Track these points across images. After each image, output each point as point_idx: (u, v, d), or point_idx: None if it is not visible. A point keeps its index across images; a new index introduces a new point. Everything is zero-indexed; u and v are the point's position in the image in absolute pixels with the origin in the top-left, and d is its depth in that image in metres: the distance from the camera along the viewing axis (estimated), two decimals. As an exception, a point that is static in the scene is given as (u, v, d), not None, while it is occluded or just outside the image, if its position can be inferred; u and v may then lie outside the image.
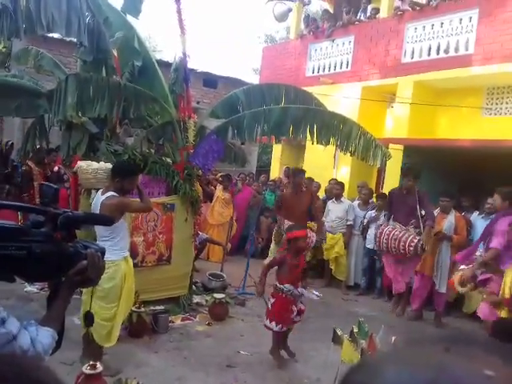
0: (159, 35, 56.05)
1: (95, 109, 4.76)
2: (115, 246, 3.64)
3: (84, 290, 3.76)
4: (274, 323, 4.10)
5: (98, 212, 3.55)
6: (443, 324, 5.82)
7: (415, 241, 5.19)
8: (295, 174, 6.28)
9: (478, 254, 5.00)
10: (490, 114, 8.58)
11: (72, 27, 4.55)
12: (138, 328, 4.34)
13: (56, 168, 6.94)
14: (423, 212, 5.72)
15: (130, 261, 3.88)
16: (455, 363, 0.42)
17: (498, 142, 7.34)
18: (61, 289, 1.42)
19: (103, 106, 4.79)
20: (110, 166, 4.20)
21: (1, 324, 1.28)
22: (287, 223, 5.77)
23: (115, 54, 5.62)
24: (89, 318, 1.67)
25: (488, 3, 7.76)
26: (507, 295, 3.89)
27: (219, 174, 8.73)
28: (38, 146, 6.03)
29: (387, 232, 5.49)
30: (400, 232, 5.36)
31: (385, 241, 5.49)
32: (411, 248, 5.18)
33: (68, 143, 5.37)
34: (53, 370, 0.63)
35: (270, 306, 4.17)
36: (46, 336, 1.36)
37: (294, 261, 4.14)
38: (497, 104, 8.53)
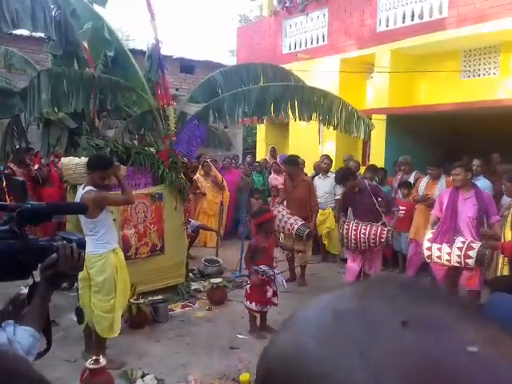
0: (131, 24, 55.00)
1: (71, 103, 4.68)
2: (100, 240, 3.61)
3: (80, 285, 3.74)
4: (253, 303, 4.30)
5: None
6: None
7: (385, 231, 5.00)
8: (286, 163, 6.16)
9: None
10: (469, 77, 8.59)
11: (38, 21, 4.43)
12: (139, 319, 4.33)
13: (36, 167, 6.82)
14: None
15: (121, 253, 3.85)
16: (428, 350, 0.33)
17: (477, 103, 7.38)
18: (39, 284, 1.37)
19: (79, 99, 4.70)
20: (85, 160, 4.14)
21: None
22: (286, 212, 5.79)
23: (86, 45, 5.49)
24: (79, 314, 1.64)
25: (458, -37, 7.70)
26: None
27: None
28: (17, 147, 5.89)
29: (353, 228, 5.17)
30: (366, 226, 5.11)
31: (353, 237, 5.17)
32: (382, 239, 5.01)
33: (47, 141, 5.27)
34: (26, 360, 0.60)
35: (248, 289, 4.39)
36: (24, 336, 1.31)
37: (264, 243, 4.34)
38: (474, 66, 8.55)
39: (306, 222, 5.71)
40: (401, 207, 6.48)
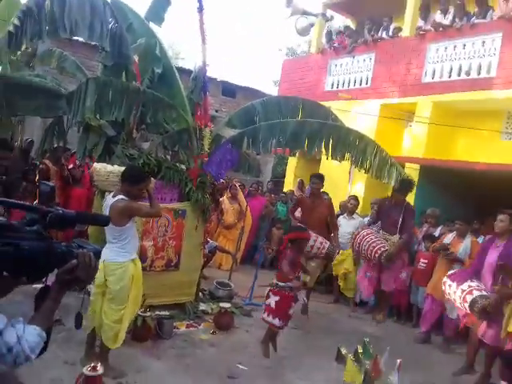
0: (183, 42, 56.85)
1: (113, 113, 4.85)
2: (123, 249, 3.67)
3: (92, 291, 3.79)
4: (277, 319, 4.32)
5: (107, 214, 3.58)
6: (451, 349, 5.69)
7: (381, 250, 5.12)
8: (312, 179, 6.18)
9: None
10: (510, 138, 8.46)
11: (94, 32, 4.65)
12: (142, 332, 4.33)
13: (70, 166, 7.04)
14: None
15: (139, 263, 3.90)
16: None
17: (515, 166, 7.23)
18: (51, 288, 1.41)
19: (121, 110, 4.87)
20: (121, 169, 4.24)
21: None
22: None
23: (136, 60, 5.70)
24: (77, 320, 1.67)
25: (512, 27, 7.70)
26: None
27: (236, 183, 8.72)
28: (55, 146, 6.12)
29: (364, 234, 5.44)
30: (375, 238, 5.28)
31: (358, 241, 5.45)
32: (376, 255, 5.16)
33: (85, 145, 5.46)
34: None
35: (273, 305, 4.32)
36: (32, 334, 1.34)
37: (296, 258, 4.41)
38: (517, 128, 8.42)
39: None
40: (422, 260, 6.37)
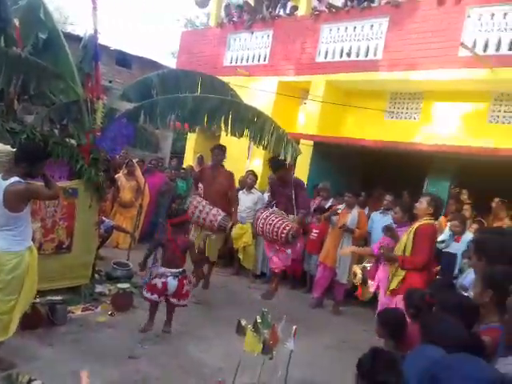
0: (73, 6, 52.37)
1: (-11, 81, 4.34)
2: (18, 236, 3.38)
3: None
4: (186, 299, 4.55)
5: (0, 199, 3.24)
6: (341, 312, 6.20)
7: (287, 229, 5.32)
8: (215, 150, 6.11)
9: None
10: (392, 118, 9.22)
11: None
12: (33, 319, 4.04)
13: None
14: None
15: (35, 250, 3.62)
16: None
17: (396, 143, 7.93)
18: None
19: (-1, 78, 4.38)
20: (11, 149, 3.86)
21: None
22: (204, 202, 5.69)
23: (17, 23, 5.14)
24: None
25: (398, 13, 8.30)
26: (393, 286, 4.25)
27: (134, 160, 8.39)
28: None
29: (264, 217, 5.55)
30: (276, 218, 5.44)
31: (260, 225, 5.55)
32: (283, 235, 5.33)
33: (-44, 117, 4.82)
34: None
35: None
36: None
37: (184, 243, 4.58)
38: (398, 108, 9.19)
39: (227, 215, 5.69)
40: (314, 230, 6.79)
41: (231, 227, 5.64)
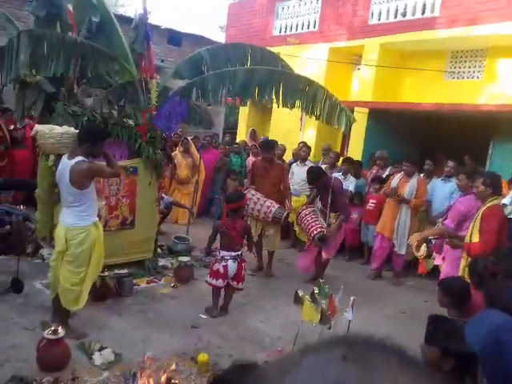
0: (121, -13, 53.15)
1: (50, 67, 4.55)
2: (84, 212, 3.59)
3: (53, 256, 3.72)
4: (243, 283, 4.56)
5: (66, 177, 3.46)
6: (401, 283, 6.09)
7: (316, 231, 5.35)
8: (263, 148, 6.09)
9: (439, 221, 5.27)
10: (453, 78, 8.70)
11: (22, -21, 4.25)
12: (102, 292, 4.33)
13: (11, 127, 6.64)
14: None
15: (100, 226, 3.84)
16: (351, 376, 0.41)
17: (458, 105, 7.50)
18: None
19: (58, 64, 4.58)
20: (74, 130, 4.06)
21: None
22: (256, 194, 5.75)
23: (70, 9, 5.31)
24: (15, 285, 1.65)
25: (455, -36, 7.71)
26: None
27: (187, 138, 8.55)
28: None
29: (302, 215, 5.60)
30: (311, 219, 5.48)
31: (300, 220, 5.62)
32: (312, 235, 5.39)
33: (22, 103, 5.13)
34: None
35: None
36: None
37: (229, 228, 4.54)
38: (459, 68, 8.65)
39: (281, 206, 5.72)
40: (372, 201, 6.64)
41: (286, 217, 5.65)
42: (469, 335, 1.73)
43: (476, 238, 4.05)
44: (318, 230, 5.38)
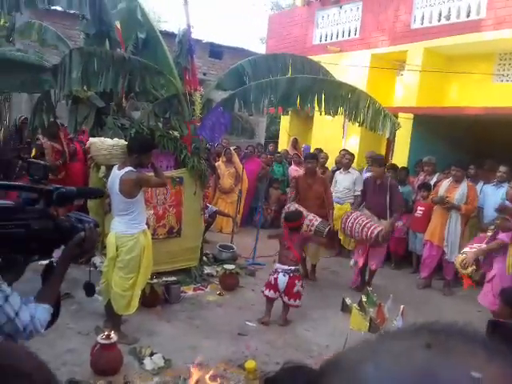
0: (163, 5, 54.97)
1: (100, 83, 4.75)
2: (134, 220, 3.72)
3: (105, 263, 3.86)
4: (298, 300, 4.48)
5: (116, 187, 3.60)
6: (452, 292, 5.87)
7: (377, 230, 5.24)
8: (306, 160, 6.12)
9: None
10: (502, 81, 8.39)
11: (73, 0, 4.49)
12: (151, 298, 4.43)
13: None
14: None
15: (149, 233, 3.97)
16: (438, 364, 0.40)
17: (508, 109, 7.20)
18: (59, 263, 1.45)
19: (108, 79, 4.78)
20: (124, 142, 4.23)
21: (4, 301, 1.32)
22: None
23: (118, 26, 5.54)
24: (88, 289, 1.72)
25: (502, -37, 7.47)
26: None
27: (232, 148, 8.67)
28: (51, 120, 5.97)
29: (354, 217, 5.48)
30: (366, 219, 5.38)
31: (349, 226, 5.47)
32: (372, 235, 5.26)
33: (75, 118, 5.38)
34: (35, 356, 0.63)
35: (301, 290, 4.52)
36: (43, 312, 1.41)
37: (299, 241, 4.71)
38: (508, 70, 8.33)
39: (324, 219, 5.68)
40: (420, 208, 6.46)
41: (328, 231, 5.59)
42: None
43: None
44: (379, 227, 5.30)
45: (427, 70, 8.49)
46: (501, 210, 4.64)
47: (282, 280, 4.42)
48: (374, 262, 5.59)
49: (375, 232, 5.25)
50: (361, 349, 0.47)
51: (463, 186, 5.78)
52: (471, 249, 4.59)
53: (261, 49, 16.90)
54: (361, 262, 5.66)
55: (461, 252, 4.73)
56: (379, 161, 5.81)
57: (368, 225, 5.35)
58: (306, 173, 6.01)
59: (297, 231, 4.71)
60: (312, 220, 5.56)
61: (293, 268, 4.49)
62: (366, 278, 5.79)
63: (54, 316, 1.48)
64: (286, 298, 4.45)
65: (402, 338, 0.47)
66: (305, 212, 5.65)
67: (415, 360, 0.41)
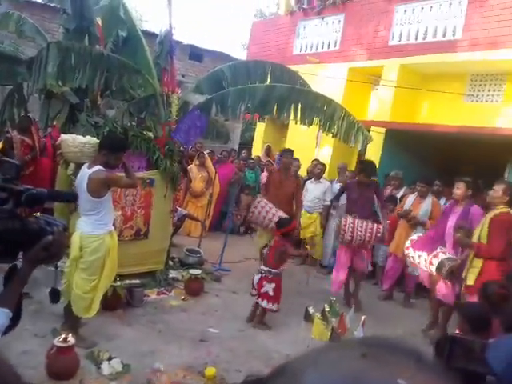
0: (146, 5, 54.47)
1: (76, 78, 4.68)
2: (100, 221, 3.66)
3: (67, 263, 3.78)
4: (275, 305, 4.55)
5: (84, 186, 3.55)
6: (411, 304, 6.02)
7: (380, 228, 5.35)
8: (283, 154, 6.20)
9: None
10: (472, 101, 8.68)
11: (54, -7, 4.41)
12: (113, 301, 4.35)
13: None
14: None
15: (115, 235, 3.90)
16: (370, 371, 0.44)
17: (477, 128, 7.46)
18: (23, 266, 1.42)
19: (85, 76, 4.71)
20: (96, 140, 4.16)
21: None
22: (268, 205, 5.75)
23: (99, 22, 5.48)
24: (53, 295, 1.69)
25: (478, -11, 7.75)
26: (470, 282, 4.06)
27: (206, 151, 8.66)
28: (23, 114, 5.82)
29: (351, 221, 5.41)
30: (362, 222, 5.40)
31: (349, 232, 5.40)
32: (378, 235, 5.35)
33: (47, 113, 5.28)
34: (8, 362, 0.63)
35: (271, 292, 4.52)
36: (1, 317, 1.37)
37: (287, 247, 4.75)
38: (479, 91, 8.62)
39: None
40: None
41: (294, 238, 5.65)
42: (493, 357, 1.71)
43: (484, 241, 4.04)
44: (381, 227, 5.35)
45: (402, 86, 8.71)
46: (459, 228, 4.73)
47: (256, 278, 4.57)
48: (361, 264, 5.62)
49: (380, 229, 5.32)
50: (305, 357, 0.51)
51: (428, 202, 5.94)
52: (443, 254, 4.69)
53: (242, 54, 16.96)
54: (343, 275, 5.61)
55: (443, 260, 4.63)
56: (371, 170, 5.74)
57: (370, 226, 5.35)
58: (280, 168, 6.07)
59: (288, 237, 4.77)
60: (275, 214, 5.57)
61: (266, 269, 4.54)
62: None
63: (15, 320, 1.45)
64: (259, 300, 4.54)
65: (342, 348, 0.52)
66: (274, 209, 5.67)
67: (350, 367, 0.46)
